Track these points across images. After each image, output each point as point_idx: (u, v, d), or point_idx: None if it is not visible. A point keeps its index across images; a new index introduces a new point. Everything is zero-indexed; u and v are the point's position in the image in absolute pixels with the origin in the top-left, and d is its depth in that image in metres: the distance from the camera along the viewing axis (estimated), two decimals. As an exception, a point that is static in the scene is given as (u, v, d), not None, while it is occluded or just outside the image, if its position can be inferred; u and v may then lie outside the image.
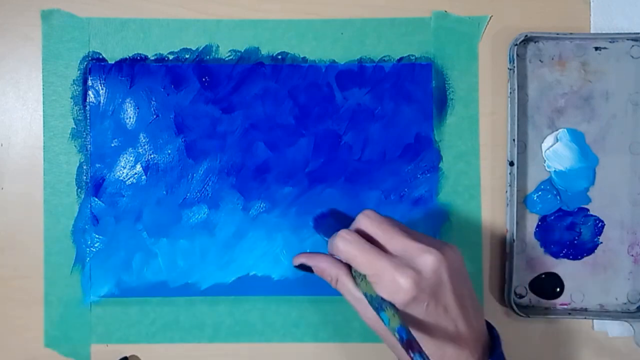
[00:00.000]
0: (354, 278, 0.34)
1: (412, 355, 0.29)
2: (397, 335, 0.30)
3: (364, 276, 0.33)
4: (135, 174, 0.43)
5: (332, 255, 0.35)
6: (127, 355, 0.43)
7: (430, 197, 0.43)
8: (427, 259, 0.32)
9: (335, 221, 0.42)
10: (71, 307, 0.43)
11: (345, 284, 0.34)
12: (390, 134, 0.43)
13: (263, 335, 0.43)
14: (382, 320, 0.31)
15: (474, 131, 0.43)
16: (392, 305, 0.31)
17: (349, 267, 0.35)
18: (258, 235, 0.43)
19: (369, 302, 0.32)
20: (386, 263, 0.32)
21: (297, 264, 0.38)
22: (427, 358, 0.29)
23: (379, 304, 0.32)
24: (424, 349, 0.30)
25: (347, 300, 0.35)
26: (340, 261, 0.35)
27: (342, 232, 0.34)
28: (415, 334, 0.32)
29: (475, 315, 0.34)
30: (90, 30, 0.43)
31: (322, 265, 0.35)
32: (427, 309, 0.32)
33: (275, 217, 0.43)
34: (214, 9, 0.43)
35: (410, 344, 0.30)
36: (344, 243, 0.33)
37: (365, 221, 0.35)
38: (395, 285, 0.31)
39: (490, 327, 0.36)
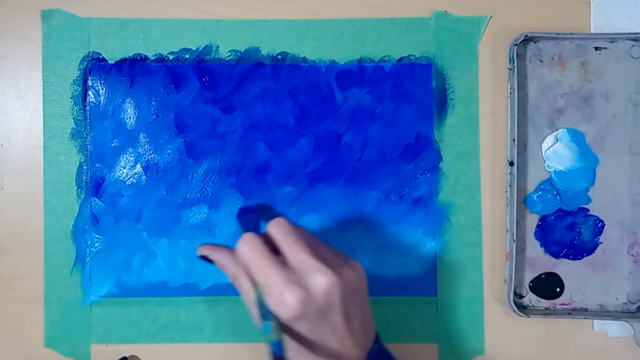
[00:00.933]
0: (252, 281, 0.34)
1: None
2: (271, 347, 0.31)
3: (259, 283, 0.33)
4: (135, 174, 0.43)
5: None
6: (127, 355, 0.43)
7: (430, 197, 0.43)
8: (320, 280, 0.32)
9: (258, 218, 0.41)
10: (71, 307, 0.43)
11: (242, 285, 0.34)
12: (390, 134, 0.43)
13: (263, 335, 0.43)
14: (263, 330, 0.31)
15: (474, 131, 0.43)
16: (277, 319, 0.32)
17: None
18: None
19: (257, 307, 0.32)
20: (278, 276, 0.32)
21: (200, 254, 0.37)
22: None
23: (265, 312, 0.32)
24: None
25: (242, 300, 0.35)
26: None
27: (247, 236, 0.34)
28: (299, 349, 0.32)
29: (364, 334, 0.34)
30: (90, 30, 0.43)
31: (223, 261, 0.35)
32: (313, 327, 0.32)
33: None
34: (214, 9, 0.43)
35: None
36: (246, 247, 0.33)
37: (274, 229, 0.34)
38: (282, 301, 0.31)
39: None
